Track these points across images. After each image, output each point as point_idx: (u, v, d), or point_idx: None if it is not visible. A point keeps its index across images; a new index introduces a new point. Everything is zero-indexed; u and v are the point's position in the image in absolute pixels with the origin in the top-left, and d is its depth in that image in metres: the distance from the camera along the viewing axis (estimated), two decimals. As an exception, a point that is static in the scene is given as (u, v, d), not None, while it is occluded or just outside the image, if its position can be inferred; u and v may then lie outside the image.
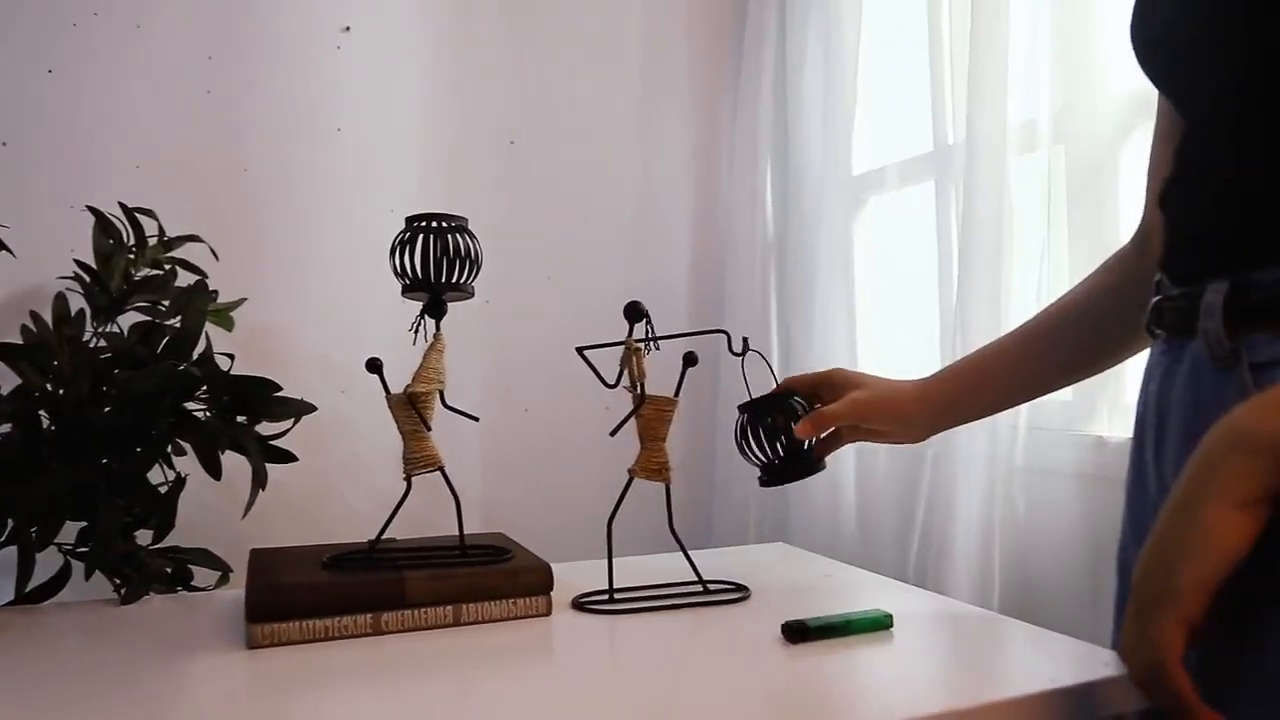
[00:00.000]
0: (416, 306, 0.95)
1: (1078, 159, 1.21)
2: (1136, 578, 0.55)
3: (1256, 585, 0.55)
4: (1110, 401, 1.23)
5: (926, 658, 0.80)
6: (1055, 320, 0.87)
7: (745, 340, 0.95)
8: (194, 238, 1.28)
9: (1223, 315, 0.59)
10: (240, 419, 1.09)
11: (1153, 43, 0.69)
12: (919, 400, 0.93)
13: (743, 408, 0.99)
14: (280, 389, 1.07)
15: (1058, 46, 1.23)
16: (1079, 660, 0.75)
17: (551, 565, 0.92)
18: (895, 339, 1.62)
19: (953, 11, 1.39)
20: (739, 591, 0.95)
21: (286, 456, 1.08)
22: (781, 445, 0.96)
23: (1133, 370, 1.20)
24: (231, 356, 1.14)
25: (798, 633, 0.78)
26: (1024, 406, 1.21)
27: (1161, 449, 0.67)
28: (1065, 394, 1.28)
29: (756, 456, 0.97)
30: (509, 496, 1.75)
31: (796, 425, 0.95)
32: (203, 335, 1.07)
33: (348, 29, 1.64)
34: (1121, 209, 1.18)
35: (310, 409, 1.10)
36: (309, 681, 0.72)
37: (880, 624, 0.82)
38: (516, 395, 1.77)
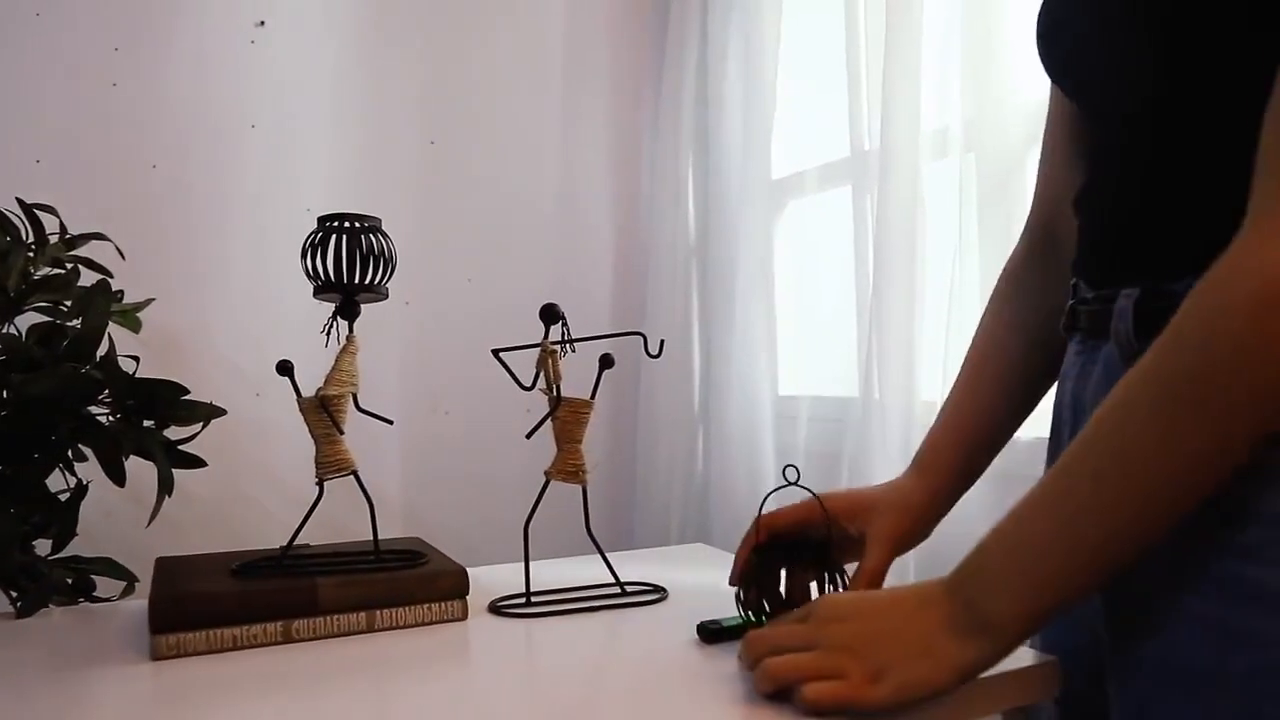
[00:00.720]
0: (333, 308, 0.93)
1: (987, 165, 1.24)
2: (858, 612, 0.62)
3: (1169, 576, 0.58)
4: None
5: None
6: (998, 355, 0.85)
7: (661, 342, 0.95)
8: (98, 235, 1.23)
9: (1133, 318, 0.61)
10: (147, 423, 1.05)
11: (1065, 57, 0.71)
12: (927, 495, 0.85)
13: (760, 550, 0.82)
14: (188, 392, 1.04)
15: (968, 58, 1.26)
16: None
17: (470, 569, 0.91)
18: (814, 340, 1.64)
19: (869, 21, 1.42)
20: (656, 593, 0.95)
21: (195, 462, 1.05)
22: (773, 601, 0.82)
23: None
24: (137, 359, 1.11)
25: (713, 633, 0.79)
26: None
27: None
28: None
29: (751, 613, 0.80)
30: (429, 500, 1.73)
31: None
32: (106, 337, 1.03)
33: (262, 24, 1.61)
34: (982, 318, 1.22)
35: (220, 412, 1.07)
36: (216, 693, 0.70)
37: None
38: (437, 398, 1.76)
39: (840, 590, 0.80)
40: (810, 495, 0.81)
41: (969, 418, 0.85)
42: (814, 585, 0.81)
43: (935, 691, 0.58)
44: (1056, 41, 0.71)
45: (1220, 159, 0.56)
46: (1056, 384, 0.77)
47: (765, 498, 0.83)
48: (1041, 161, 0.85)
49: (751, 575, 0.80)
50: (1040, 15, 0.73)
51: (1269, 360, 0.48)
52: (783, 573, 0.83)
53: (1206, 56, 0.57)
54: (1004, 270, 0.88)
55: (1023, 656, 0.76)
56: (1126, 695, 0.61)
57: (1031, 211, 0.86)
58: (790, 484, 0.79)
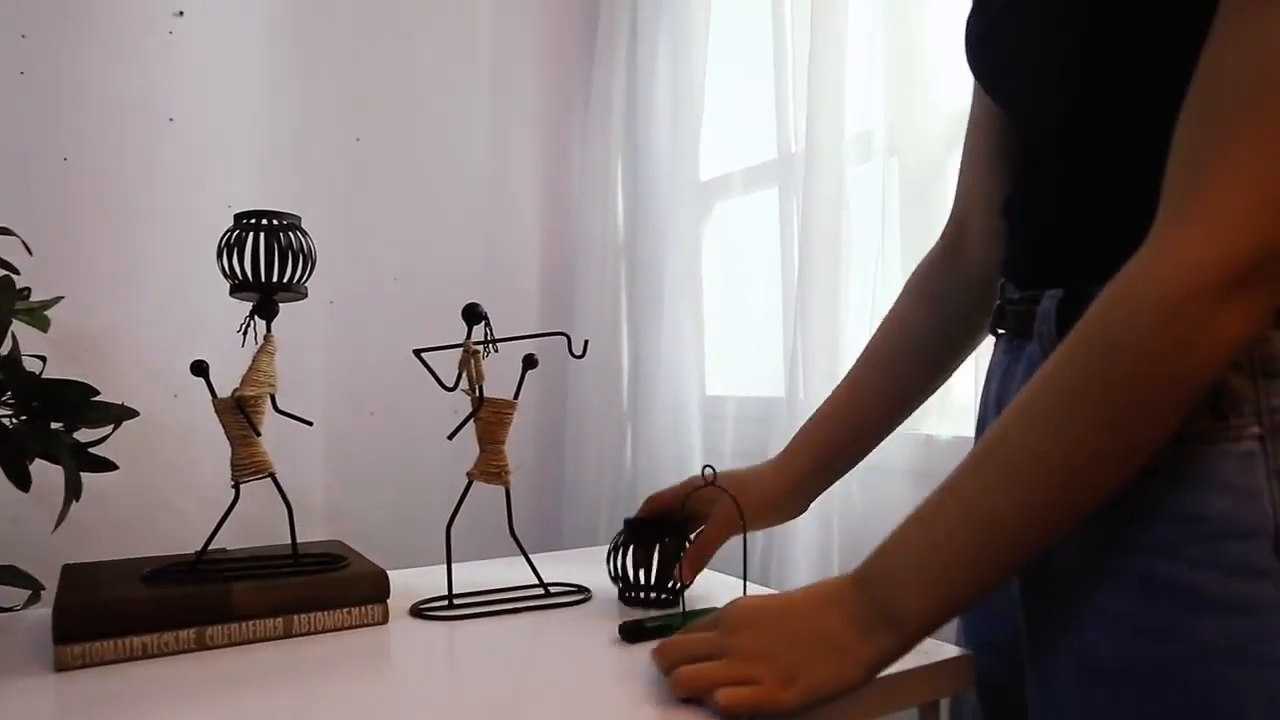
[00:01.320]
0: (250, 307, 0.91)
1: (909, 169, 1.27)
2: (771, 611, 0.62)
3: (1083, 573, 0.59)
4: (939, 402, 1.29)
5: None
6: (886, 356, 0.88)
7: (585, 343, 0.95)
8: (4, 230, 1.19)
9: (1056, 319, 0.63)
10: (56, 425, 1.02)
11: (993, 67, 0.73)
12: (787, 489, 0.90)
13: (629, 523, 0.93)
14: (97, 393, 1.01)
15: (891, 64, 1.29)
16: (901, 649, 0.79)
17: (393, 572, 0.90)
18: (741, 340, 1.66)
19: (795, 26, 1.43)
20: (580, 594, 0.95)
21: (105, 465, 1.02)
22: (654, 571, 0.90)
23: (961, 372, 1.27)
24: (43, 359, 1.07)
25: (634, 634, 0.79)
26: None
27: None
28: (897, 394, 1.35)
29: (628, 579, 0.91)
30: (353, 502, 1.70)
31: (680, 566, 0.88)
32: (9, 335, 0.99)
33: (181, 13, 1.57)
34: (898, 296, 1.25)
35: (132, 414, 1.04)
36: (124, 704, 0.68)
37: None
38: (363, 398, 1.73)
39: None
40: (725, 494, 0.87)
41: (843, 413, 0.89)
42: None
43: (846, 688, 0.59)
44: (986, 52, 0.72)
45: (1136, 168, 0.58)
46: (983, 385, 0.78)
47: (688, 494, 0.89)
48: (962, 166, 0.87)
49: (622, 543, 0.90)
50: (969, 23, 0.75)
51: (1169, 369, 0.50)
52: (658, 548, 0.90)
53: (1121, 71, 0.59)
54: (914, 271, 0.90)
55: (938, 651, 0.77)
56: (1042, 689, 0.63)
57: (951, 212, 0.88)
58: (709, 484, 0.83)
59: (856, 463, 0.92)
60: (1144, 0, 0.56)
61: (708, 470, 0.84)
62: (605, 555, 0.93)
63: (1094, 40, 0.59)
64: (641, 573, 0.90)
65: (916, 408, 0.90)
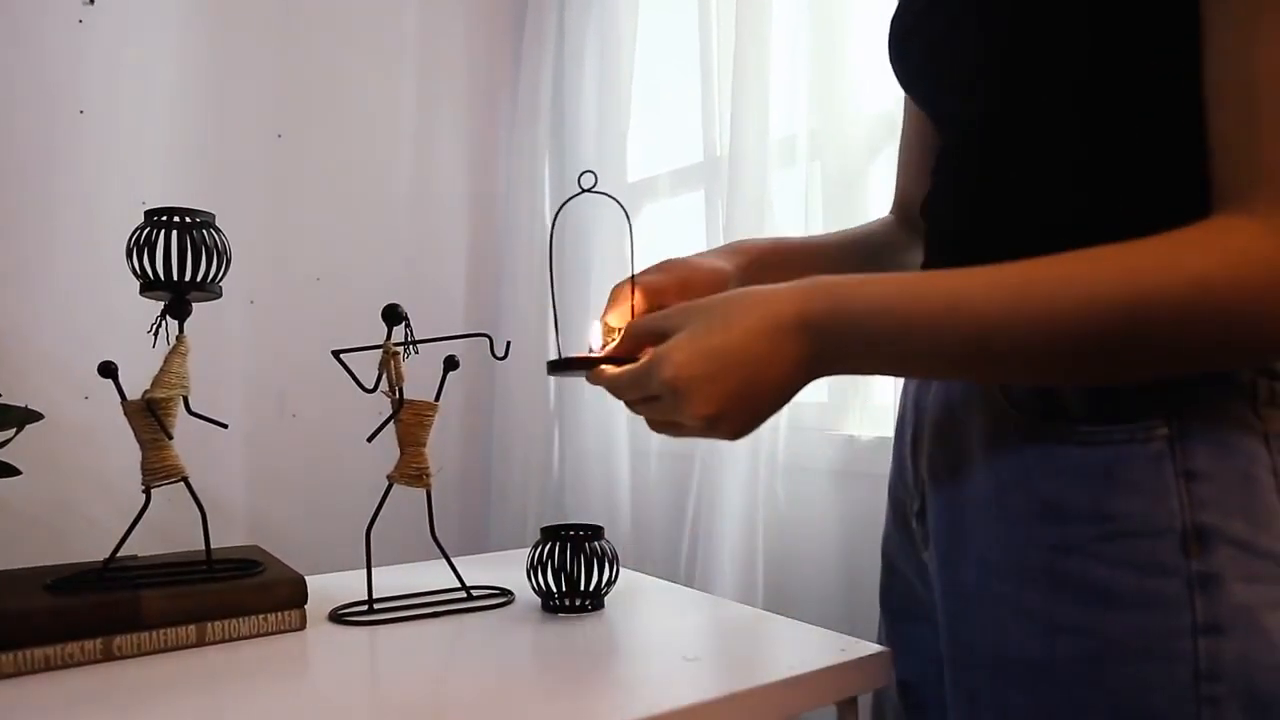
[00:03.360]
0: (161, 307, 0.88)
1: (832, 174, 1.29)
2: (712, 370, 0.59)
3: (1000, 571, 0.61)
4: (861, 403, 1.32)
5: (674, 654, 0.82)
6: (842, 249, 0.88)
7: (508, 344, 0.94)
8: (-101, 226, 1.14)
9: None
10: (-47, 429, 0.98)
11: (914, 67, 0.74)
12: (739, 279, 0.83)
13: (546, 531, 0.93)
14: (-1, 395, 0.97)
15: (815, 69, 1.31)
16: (820, 648, 0.80)
17: (313, 577, 0.88)
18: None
19: (720, 29, 1.45)
20: (502, 596, 0.94)
21: (6, 470, 0.98)
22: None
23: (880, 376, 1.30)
24: (-59, 360, 1.03)
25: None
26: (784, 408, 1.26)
27: (918, 445, 0.72)
28: (820, 395, 1.37)
29: (549, 588, 0.90)
30: (274, 507, 1.66)
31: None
32: (-96, 336, 0.95)
33: (91, 2, 1.52)
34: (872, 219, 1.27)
35: (36, 417, 1.00)
36: (26, 718, 0.66)
37: None
38: (284, 400, 1.69)
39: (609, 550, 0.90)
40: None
41: (804, 244, 0.89)
42: None
43: (776, 411, 0.63)
44: (907, 52, 0.74)
45: (1048, 170, 0.60)
46: (901, 387, 0.79)
47: (562, 205, 0.94)
48: (898, 165, 0.89)
49: (542, 552, 0.90)
50: (892, 24, 0.76)
51: (1253, 330, 0.49)
52: None
53: (1039, 72, 0.60)
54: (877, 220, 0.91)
55: (856, 648, 0.79)
56: (959, 685, 0.64)
57: (891, 206, 0.90)
58: (585, 190, 0.83)
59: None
60: (1066, 2, 0.57)
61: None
62: (525, 563, 0.92)
63: (1012, 40, 0.61)
64: (564, 580, 0.89)
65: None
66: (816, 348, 0.58)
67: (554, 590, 0.90)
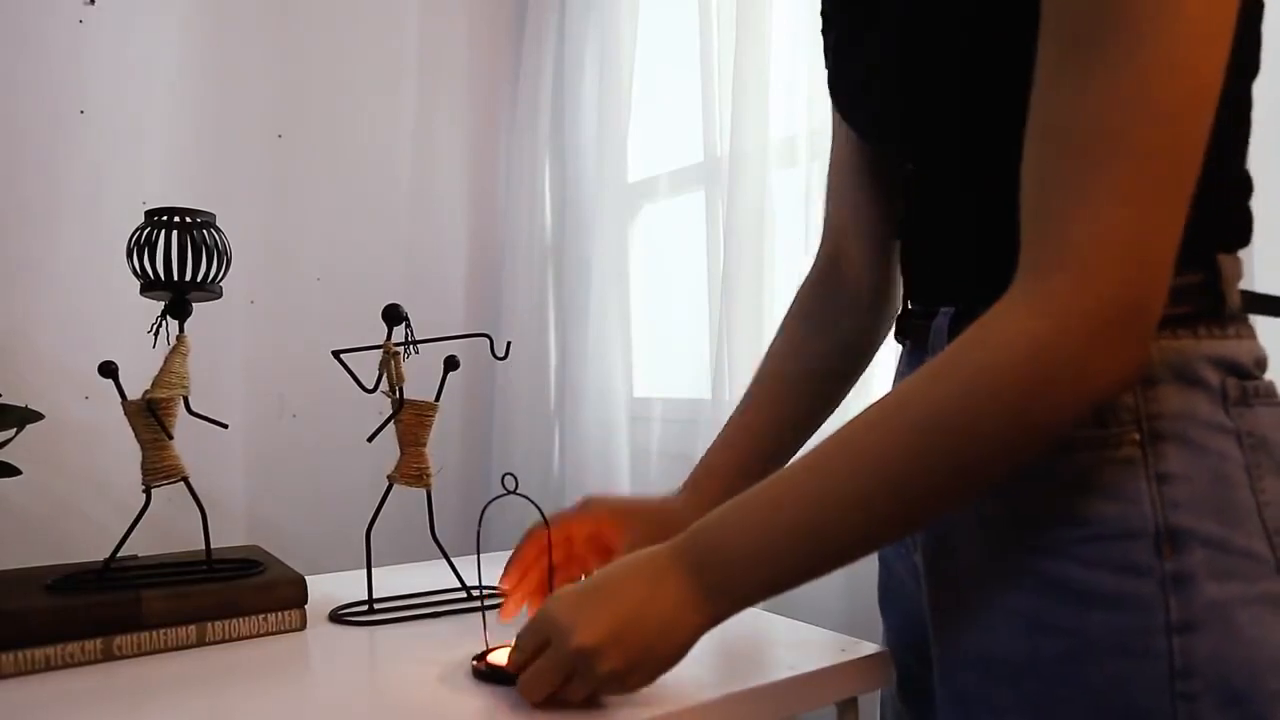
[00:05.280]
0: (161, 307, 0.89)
1: (832, 175, 1.28)
2: (609, 631, 0.60)
3: (986, 573, 0.61)
4: (860, 404, 1.31)
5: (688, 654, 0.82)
6: (784, 381, 0.87)
7: (509, 345, 0.95)
8: (-101, 226, 1.14)
9: (948, 335, 0.65)
10: (-46, 429, 0.98)
11: (872, 119, 0.73)
12: (696, 517, 0.83)
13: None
14: None
15: (815, 70, 1.30)
16: (820, 648, 0.80)
17: (313, 578, 0.88)
18: (667, 341, 1.67)
19: (721, 30, 1.45)
20: (504, 597, 0.94)
21: (7, 469, 0.98)
22: None
23: (880, 380, 1.30)
24: (-58, 360, 1.03)
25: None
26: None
27: None
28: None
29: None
30: (275, 507, 1.66)
31: None
32: (-96, 336, 0.95)
33: (92, 2, 1.52)
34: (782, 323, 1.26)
35: (36, 417, 1.00)
36: (27, 717, 0.66)
37: None
38: (284, 400, 1.69)
39: None
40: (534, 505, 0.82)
41: (747, 438, 0.87)
42: None
43: (681, 658, 0.62)
44: (860, 105, 0.74)
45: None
46: (891, 388, 0.80)
47: (484, 507, 0.83)
48: (828, 193, 0.88)
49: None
50: (835, 88, 0.76)
51: (1024, 415, 0.52)
52: None
53: (1009, 106, 0.60)
54: (797, 293, 0.90)
55: (855, 649, 0.79)
56: (948, 686, 0.65)
57: (822, 237, 0.88)
58: (509, 493, 0.78)
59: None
60: (1029, 38, 0.57)
61: (508, 479, 0.79)
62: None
63: (980, 78, 0.61)
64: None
65: (818, 428, 0.89)
66: (699, 581, 0.60)
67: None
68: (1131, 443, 0.56)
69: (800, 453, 0.66)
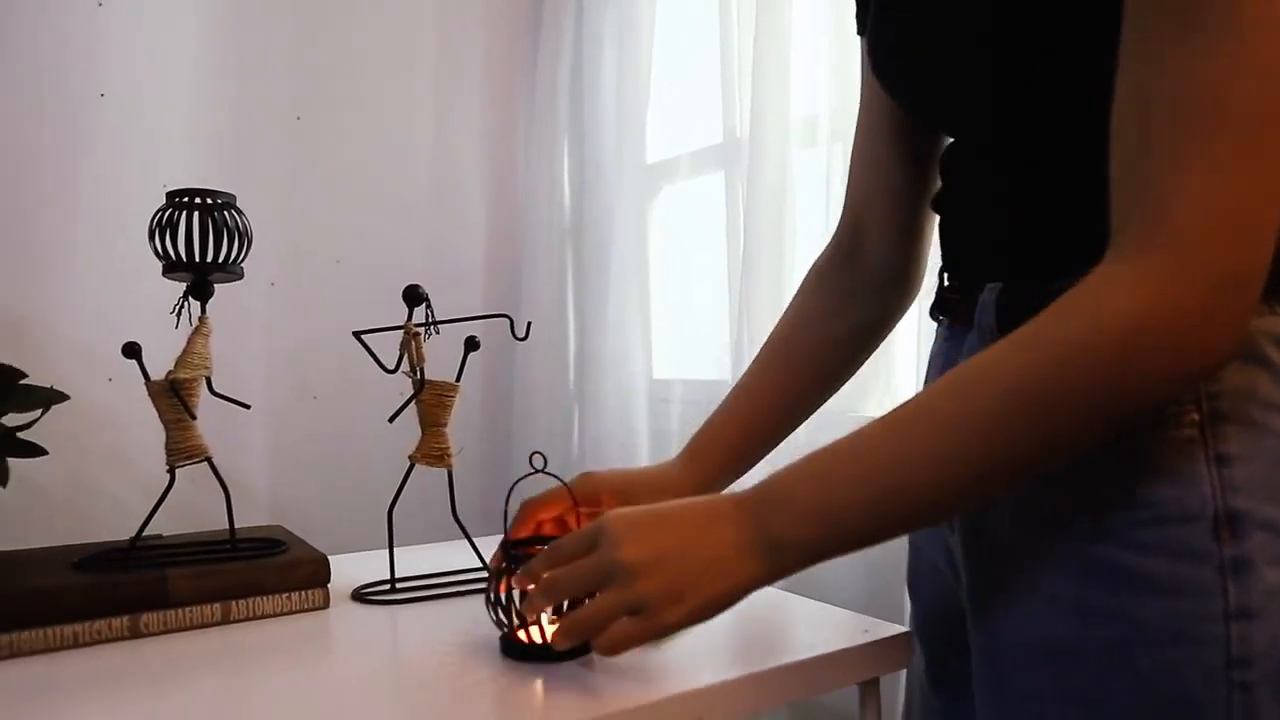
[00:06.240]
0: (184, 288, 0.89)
1: (853, 154, 1.27)
2: (648, 557, 0.59)
3: (1027, 556, 0.60)
4: (883, 386, 1.31)
5: (694, 634, 0.82)
6: (793, 354, 0.86)
7: (529, 325, 0.94)
8: (-75, 209, 1.15)
9: (995, 312, 0.63)
10: (-19, 410, 0.98)
11: (914, 89, 0.72)
12: (694, 485, 0.82)
13: (504, 546, 0.77)
14: (24, 375, 0.98)
15: (836, 49, 1.29)
16: (843, 629, 0.80)
17: (335, 557, 0.89)
18: (687, 322, 1.66)
19: (740, 7, 1.43)
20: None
21: (33, 450, 0.99)
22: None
23: (902, 354, 1.29)
24: (-32, 341, 1.04)
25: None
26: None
27: None
28: (841, 377, 1.36)
29: (503, 618, 0.72)
30: (297, 487, 1.67)
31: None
32: (-69, 317, 0.96)
33: (111, -14, 1.52)
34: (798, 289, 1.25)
35: (62, 398, 1.01)
36: (54, 693, 0.67)
37: None
38: (304, 382, 1.70)
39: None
40: (561, 482, 0.79)
41: (751, 405, 0.86)
42: None
43: (723, 608, 0.60)
44: (902, 74, 0.72)
45: (1076, 176, 0.59)
46: (925, 371, 0.79)
47: (513, 485, 0.81)
48: (852, 164, 0.86)
49: (502, 572, 0.71)
50: (873, 47, 0.74)
51: (1121, 391, 0.50)
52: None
53: (1056, 80, 0.59)
54: (812, 266, 0.88)
55: (878, 629, 0.79)
56: (986, 672, 0.64)
57: (842, 213, 0.87)
58: (538, 471, 0.76)
59: (756, 463, 0.87)
60: (1082, 6, 0.56)
61: (536, 458, 0.76)
62: (485, 594, 0.74)
63: (1030, 48, 0.59)
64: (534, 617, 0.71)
65: (822, 404, 0.88)
66: (760, 530, 0.59)
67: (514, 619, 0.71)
68: (1191, 422, 0.54)
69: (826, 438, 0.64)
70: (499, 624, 0.72)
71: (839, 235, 0.86)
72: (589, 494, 0.81)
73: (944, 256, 0.74)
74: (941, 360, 0.74)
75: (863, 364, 0.87)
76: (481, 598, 0.83)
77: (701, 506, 0.62)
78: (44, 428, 1.06)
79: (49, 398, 1.00)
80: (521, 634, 0.71)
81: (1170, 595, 0.53)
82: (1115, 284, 0.51)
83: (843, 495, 0.57)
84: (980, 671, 0.64)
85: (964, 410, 0.54)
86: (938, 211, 0.75)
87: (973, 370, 0.55)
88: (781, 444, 0.88)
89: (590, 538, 0.62)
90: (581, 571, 0.62)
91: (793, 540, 0.59)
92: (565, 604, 0.66)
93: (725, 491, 0.61)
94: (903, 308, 0.85)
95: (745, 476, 0.84)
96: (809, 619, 0.85)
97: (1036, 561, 0.60)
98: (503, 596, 0.70)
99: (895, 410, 0.57)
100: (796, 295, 0.88)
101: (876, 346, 0.87)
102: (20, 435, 1.01)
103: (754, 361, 0.87)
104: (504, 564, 0.71)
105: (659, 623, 0.59)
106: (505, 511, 0.79)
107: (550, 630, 0.69)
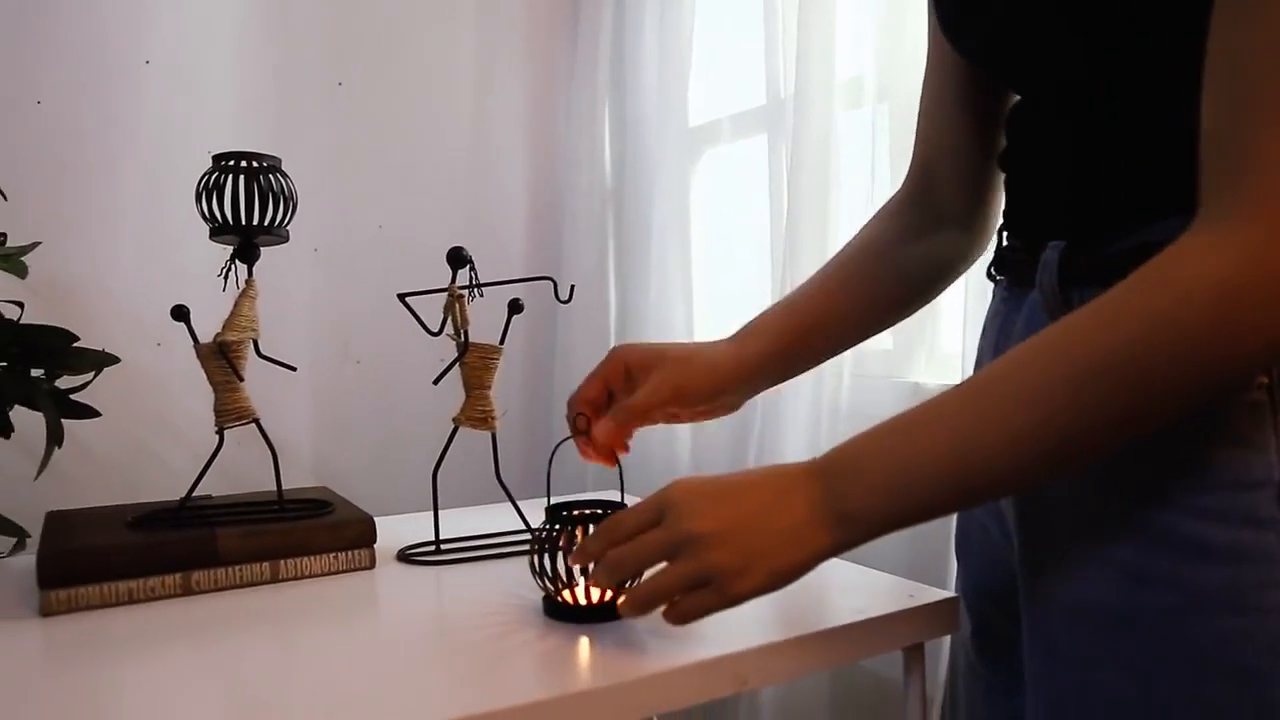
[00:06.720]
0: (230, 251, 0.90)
1: (900, 115, 1.25)
2: (723, 527, 0.59)
3: (1083, 521, 0.59)
4: (928, 350, 1.29)
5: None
6: (861, 271, 0.84)
7: (572, 288, 0.94)
8: (-23, 175, 1.16)
9: (1058, 271, 0.61)
10: (36, 373, 1.01)
11: (983, 42, 0.70)
12: (738, 369, 0.81)
13: (551, 511, 0.75)
14: (77, 339, 0.99)
15: (883, 8, 1.26)
16: (888, 594, 0.79)
17: (379, 518, 0.90)
18: (729, 288, 1.65)
19: (785, -34, 1.40)
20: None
21: (87, 411, 1.01)
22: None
23: (948, 319, 1.27)
24: (21, 304, 1.05)
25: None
26: (848, 354, 1.23)
27: None
28: (885, 342, 1.35)
29: (548, 583, 0.72)
30: (339, 449, 1.69)
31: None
32: (-14, 281, 0.98)
33: (155, -48, 1.52)
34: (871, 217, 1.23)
35: (113, 360, 1.03)
36: (110, 647, 0.68)
37: None
38: (348, 346, 1.72)
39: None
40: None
41: (808, 310, 0.83)
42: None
43: (792, 579, 0.60)
44: (971, 27, 0.70)
45: (1146, 131, 0.57)
46: (981, 332, 0.77)
47: (555, 448, 0.83)
48: (919, 118, 0.84)
49: (545, 539, 0.71)
50: (939, 1, 0.72)
51: (1211, 359, 0.48)
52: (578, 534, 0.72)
53: (1128, 33, 0.57)
54: (882, 206, 0.87)
55: (923, 594, 0.78)
56: (1037, 633, 0.63)
57: (912, 161, 0.85)
58: (581, 433, 0.78)
59: (811, 366, 0.86)
60: None
61: (580, 419, 0.77)
62: (529, 558, 0.73)
63: (1103, 3, 0.57)
64: (581, 579, 0.71)
65: (887, 327, 0.86)
66: (830, 501, 0.58)
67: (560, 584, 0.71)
68: (1260, 386, 0.53)
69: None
70: (543, 587, 0.72)
71: (909, 182, 0.85)
72: (616, 369, 0.80)
73: (1006, 214, 0.73)
74: (999, 321, 0.72)
75: (917, 308, 0.86)
76: (525, 559, 0.83)
77: (775, 476, 0.62)
78: (95, 391, 1.08)
79: (100, 360, 1.02)
80: (566, 595, 0.71)
81: (1231, 563, 0.52)
82: (1205, 251, 0.49)
83: (917, 469, 0.56)
84: (1031, 636, 0.64)
85: (1045, 383, 0.52)
86: (1003, 169, 0.73)
87: (1054, 340, 0.53)
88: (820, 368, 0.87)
89: (655, 510, 0.62)
90: (648, 547, 0.61)
91: (864, 513, 0.58)
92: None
93: (801, 462, 0.61)
94: (970, 257, 0.84)
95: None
96: (854, 583, 0.84)
97: (1092, 526, 0.59)
98: (548, 565, 0.70)
99: (972, 379, 0.56)
100: (864, 227, 0.86)
101: (941, 290, 0.86)
102: (73, 397, 1.03)
103: (817, 276, 0.85)
104: (549, 528, 0.71)
105: (730, 593, 0.59)
106: (548, 474, 0.79)
107: (594, 594, 0.70)
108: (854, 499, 0.58)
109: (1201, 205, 0.50)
